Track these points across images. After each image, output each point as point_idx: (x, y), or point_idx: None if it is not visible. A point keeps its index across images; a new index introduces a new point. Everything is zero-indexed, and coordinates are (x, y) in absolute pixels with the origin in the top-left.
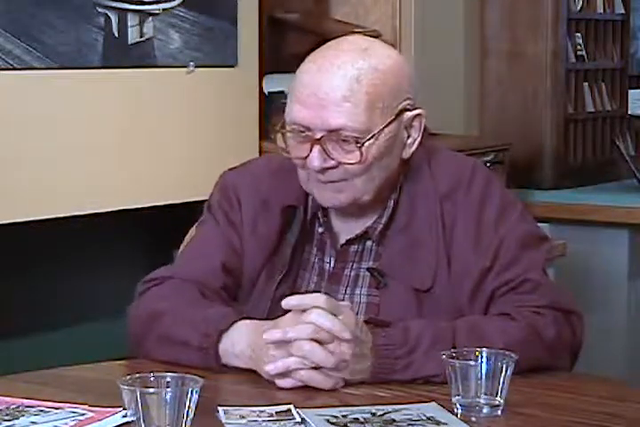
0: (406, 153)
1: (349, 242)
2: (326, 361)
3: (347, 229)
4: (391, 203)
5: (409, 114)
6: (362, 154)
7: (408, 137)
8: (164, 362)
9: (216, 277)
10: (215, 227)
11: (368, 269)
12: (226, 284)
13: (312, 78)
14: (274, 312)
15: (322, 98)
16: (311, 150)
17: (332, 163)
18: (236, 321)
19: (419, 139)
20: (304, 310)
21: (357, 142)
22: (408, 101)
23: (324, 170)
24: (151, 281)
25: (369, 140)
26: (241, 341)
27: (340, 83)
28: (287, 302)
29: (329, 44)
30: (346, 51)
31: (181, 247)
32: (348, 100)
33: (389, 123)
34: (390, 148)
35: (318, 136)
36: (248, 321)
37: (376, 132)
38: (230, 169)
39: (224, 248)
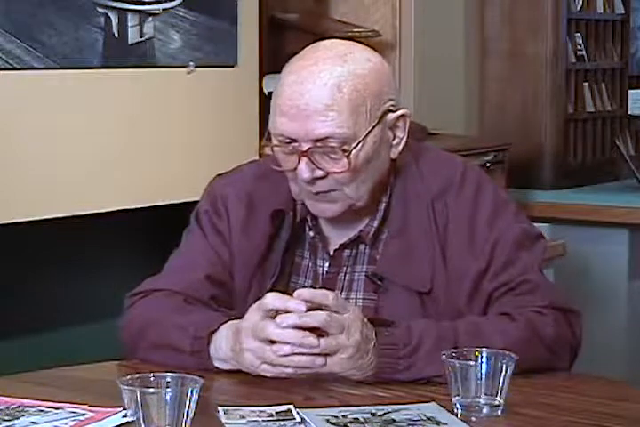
0: (394, 153)
1: (342, 246)
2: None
3: (338, 233)
4: (382, 206)
5: (392, 115)
6: (350, 162)
7: (394, 137)
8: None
9: (203, 288)
10: (202, 238)
11: (367, 274)
12: (214, 295)
13: (292, 90)
14: None
15: (304, 109)
16: (299, 162)
17: (321, 173)
18: (224, 322)
19: (405, 138)
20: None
21: (344, 151)
22: (391, 102)
23: (313, 180)
24: (138, 294)
25: (355, 147)
26: (222, 344)
27: (321, 92)
28: (300, 294)
29: (306, 50)
30: (324, 58)
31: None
32: (332, 109)
33: (374, 126)
34: (377, 151)
35: (305, 148)
36: (229, 322)
37: (362, 138)
38: (220, 175)
39: (210, 260)
